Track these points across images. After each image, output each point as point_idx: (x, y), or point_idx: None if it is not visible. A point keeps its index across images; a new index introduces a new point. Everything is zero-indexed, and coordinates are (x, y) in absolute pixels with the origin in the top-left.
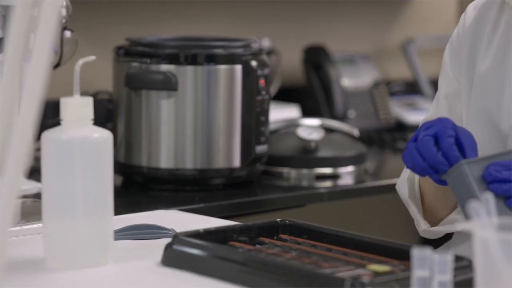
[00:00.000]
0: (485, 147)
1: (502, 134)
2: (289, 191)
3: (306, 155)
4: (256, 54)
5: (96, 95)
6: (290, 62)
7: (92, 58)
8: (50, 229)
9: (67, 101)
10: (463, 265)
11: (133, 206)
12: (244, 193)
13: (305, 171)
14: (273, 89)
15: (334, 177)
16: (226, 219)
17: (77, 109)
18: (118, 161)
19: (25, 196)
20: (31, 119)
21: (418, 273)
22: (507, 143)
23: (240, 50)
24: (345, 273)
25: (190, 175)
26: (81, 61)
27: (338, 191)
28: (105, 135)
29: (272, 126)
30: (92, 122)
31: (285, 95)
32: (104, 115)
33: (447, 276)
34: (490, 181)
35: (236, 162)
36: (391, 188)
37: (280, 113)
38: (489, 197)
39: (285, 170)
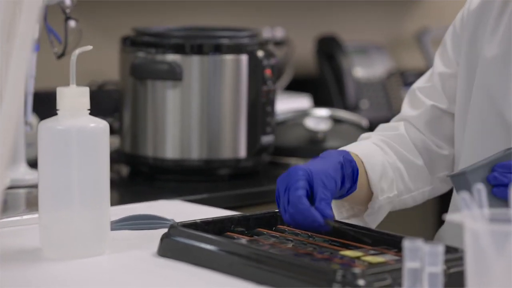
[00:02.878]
0: (489, 134)
1: (507, 122)
2: None
3: (313, 145)
4: (262, 44)
5: (104, 86)
6: (304, 52)
7: (89, 47)
8: (46, 219)
9: (64, 91)
10: (458, 257)
11: (139, 197)
12: (250, 184)
13: None
14: (286, 79)
15: None
16: (231, 210)
17: (74, 99)
18: (124, 151)
19: (31, 186)
20: (15, 109)
21: (409, 264)
22: (511, 131)
23: (246, 40)
24: (338, 264)
25: (196, 166)
26: (77, 51)
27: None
28: (101, 125)
29: (280, 117)
30: (88, 112)
31: (298, 85)
32: (112, 105)
33: (438, 268)
34: (494, 185)
35: (242, 153)
36: None
37: (292, 103)
38: (480, 188)
39: (292, 160)
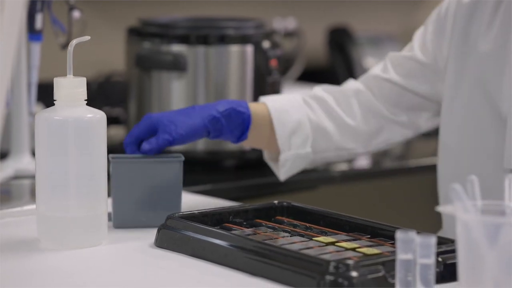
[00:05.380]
0: (481, 127)
1: (501, 116)
2: (300, 173)
3: None
4: (268, 35)
5: (111, 76)
6: (315, 43)
7: (87, 38)
8: (44, 210)
9: (61, 81)
10: (454, 248)
11: None
12: (255, 175)
13: None
14: (297, 70)
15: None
16: (235, 201)
17: (70, 90)
18: None
19: (35, 177)
20: (1, 99)
21: (401, 256)
22: (505, 125)
23: (251, 31)
24: (333, 255)
25: (201, 157)
26: (74, 41)
27: (351, 174)
28: (98, 115)
29: None
30: (85, 102)
31: (309, 76)
32: (119, 96)
33: (431, 260)
34: None
35: None
36: (407, 171)
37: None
38: (473, 179)
39: None
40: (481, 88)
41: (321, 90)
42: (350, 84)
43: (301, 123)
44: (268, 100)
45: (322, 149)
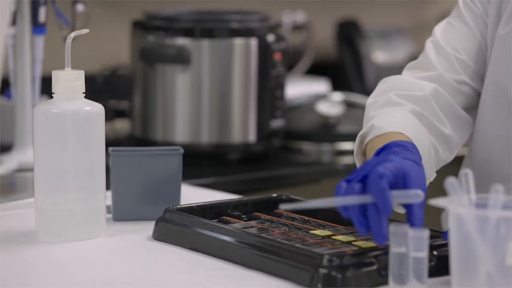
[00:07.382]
0: (497, 117)
1: (508, 99)
2: (305, 167)
3: (325, 130)
4: (273, 28)
5: (117, 70)
6: (324, 36)
7: (85, 31)
8: (42, 202)
9: (59, 74)
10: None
11: None
12: (259, 168)
13: (325, 146)
14: (306, 64)
15: None
16: (240, 195)
17: (69, 82)
18: (135, 136)
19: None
20: None
21: (394, 249)
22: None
23: (255, 24)
24: (327, 248)
25: (206, 150)
26: (73, 34)
27: (355, 167)
28: (96, 108)
29: (295, 101)
30: (83, 95)
31: (318, 70)
32: (126, 89)
33: (423, 253)
34: None
35: (252, 137)
36: None
37: (310, 88)
38: (468, 173)
39: (305, 145)
40: (498, 74)
41: (408, 103)
42: (425, 86)
43: (429, 148)
44: (400, 127)
45: (436, 169)
